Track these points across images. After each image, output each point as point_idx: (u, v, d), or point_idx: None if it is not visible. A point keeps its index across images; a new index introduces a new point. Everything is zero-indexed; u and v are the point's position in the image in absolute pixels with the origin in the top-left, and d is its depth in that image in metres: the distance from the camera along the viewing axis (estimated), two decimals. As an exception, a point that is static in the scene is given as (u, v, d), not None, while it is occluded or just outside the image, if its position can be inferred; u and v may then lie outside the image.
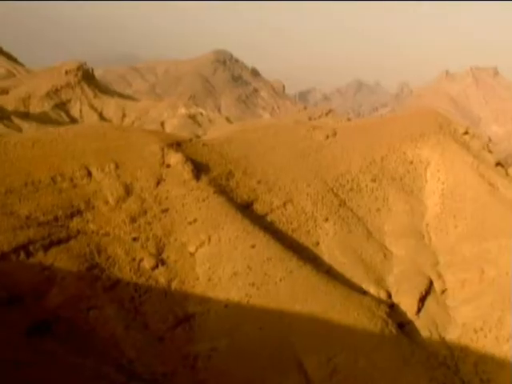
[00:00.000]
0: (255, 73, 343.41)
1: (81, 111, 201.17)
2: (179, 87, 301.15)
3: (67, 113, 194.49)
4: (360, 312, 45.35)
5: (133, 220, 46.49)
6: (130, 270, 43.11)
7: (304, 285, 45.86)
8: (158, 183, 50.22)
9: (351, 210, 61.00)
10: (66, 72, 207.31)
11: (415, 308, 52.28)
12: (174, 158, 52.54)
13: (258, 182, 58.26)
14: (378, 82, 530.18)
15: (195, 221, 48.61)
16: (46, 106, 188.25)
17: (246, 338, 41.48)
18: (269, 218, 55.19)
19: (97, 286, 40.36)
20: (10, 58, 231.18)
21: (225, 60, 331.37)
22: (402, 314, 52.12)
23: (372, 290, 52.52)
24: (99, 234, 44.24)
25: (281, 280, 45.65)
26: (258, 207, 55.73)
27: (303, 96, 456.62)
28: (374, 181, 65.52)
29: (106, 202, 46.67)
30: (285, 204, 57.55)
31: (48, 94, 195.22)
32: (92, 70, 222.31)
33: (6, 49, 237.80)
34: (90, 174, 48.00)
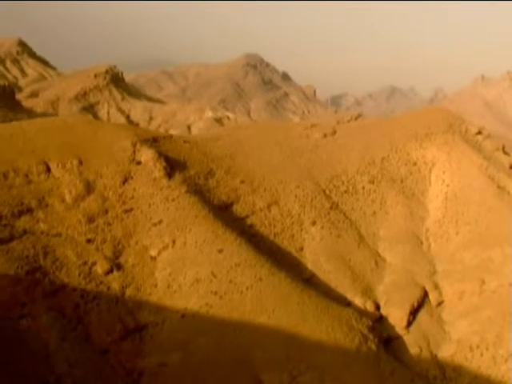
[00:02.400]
0: (286, 77, 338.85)
1: (108, 114, 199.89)
2: (210, 91, 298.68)
3: (95, 115, 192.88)
4: (335, 326, 39.98)
5: (90, 220, 42.10)
6: (79, 274, 38.67)
7: (273, 294, 40.70)
8: (125, 181, 45.76)
9: (343, 214, 55.46)
10: (95, 75, 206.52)
11: (405, 321, 46.53)
12: (146, 154, 48.05)
13: (242, 182, 53.30)
14: (412, 87, 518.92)
15: (160, 222, 43.95)
16: (74, 109, 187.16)
17: (201, 353, 36.58)
18: (249, 221, 50.19)
19: (35, 292, 35.97)
20: (42, 61, 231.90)
21: (255, 64, 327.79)
22: (390, 328, 46.50)
23: (357, 300, 47.00)
24: (49, 234, 39.95)
25: (247, 288, 40.59)
26: (239, 209, 50.77)
27: (335, 101, 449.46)
28: (371, 182, 59.82)
29: (63, 200, 42.40)
30: (269, 206, 52.45)
31: (76, 97, 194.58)
32: (122, 73, 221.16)
33: (39, 53, 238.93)
34: (49, 169, 43.83)
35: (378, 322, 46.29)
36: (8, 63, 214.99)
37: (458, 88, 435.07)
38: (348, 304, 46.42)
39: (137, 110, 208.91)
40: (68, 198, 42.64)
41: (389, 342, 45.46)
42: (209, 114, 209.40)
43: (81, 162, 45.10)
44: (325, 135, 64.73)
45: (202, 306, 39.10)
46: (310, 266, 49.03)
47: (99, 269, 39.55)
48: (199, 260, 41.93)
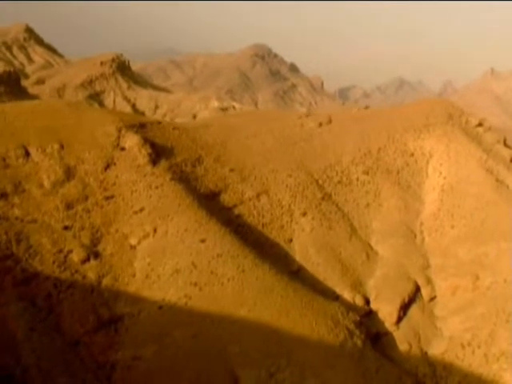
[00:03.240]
0: (294, 68, 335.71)
1: (114, 102, 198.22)
2: (217, 81, 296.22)
3: (101, 103, 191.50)
4: (319, 320, 38.15)
5: (69, 206, 40.39)
6: (54, 262, 37.01)
7: (256, 286, 38.91)
8: (107, 167, 44.01)
9: (336, 205, 53.49)
10: (101, 63, 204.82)
11: (395, 317, 44.63)
12: (131, 140, 46.26)
13: (231, 170, 51.43)
14: (421, 80, 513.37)
15: (142, 210, 42.20)
16: (80, 96, 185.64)
17: (176, 346, 34.86)
18: (237, 211, 48.34)
19: (5, 280, 34.36)
20: (49, 48, 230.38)
21: (263, 55, 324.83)
22: (379, 324, 44.63)
23: (346, 294, 45.15)
24: (24, 220, 38.26)
25: (229, 280, 38.80)
26: (227, 198, 48.93)
27: (343, 93, 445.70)
28: (366, 173, 57.75)
29: (41, 186, 40.71)
30: (258, 195, 50.57)
31: (82, 85, 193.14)
32: (128, 61, 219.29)
33: (47, 40, 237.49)
34: (28, 153, 42.12)
35: (367, 316, 44.43)
36: (15, 50, 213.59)
37: (467, 81, 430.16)
38: (336, 298, 44.58)
39: (142, 98, 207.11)
40: (46, 183, 40.94)
41: (378, 337, 43.61)
42: (214, 103, 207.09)
43: (62, 147, 43.38)
44: (320, 124, 62.65)
45: (181, 298, 37.36)
46: (298, 257, 47.20)
47: (75, 257, 37.87)
48: (180, 250, 40.16)
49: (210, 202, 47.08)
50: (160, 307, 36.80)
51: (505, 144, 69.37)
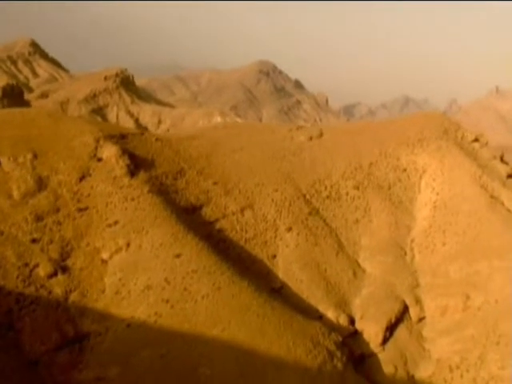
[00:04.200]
0: (298, 85, 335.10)
1: (117, 116, 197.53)
2: (221, 97, 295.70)
3: (104, 117, 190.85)
4: (297, 341, 36.00)
5: (38, 218, 38.51)
6: (18, 276, 35.04)
7: (231, 304, 36.81)
8: (83, 178, 42.19)
9: (323, 220, 51.41)
10: (105, 78, 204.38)
11: (380, 337, 42.39)
12: (109, 150, 44.49)
13: (214, 184, 49.54)
14: (427, 98, 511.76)
15: (116, 223, 40.27)
16: (84, 111, 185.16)
17: (143, 367, 32.71)
18: (218, 225, 46.34)
19: (-38, 295, 32.50)
20: (54, 63, 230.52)
21: (268, 71, 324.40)
22: (364, 345, 42.36)
23: (330, 313, 42.93)
24: (-11, 232, 36.42)
25: (203, 297, 36.71)
26: (208, 211, 46.97)
27: (348, 110, 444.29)
28: (356, 188, 55.71)
29: (10, 196, 38.87)
30: (242, 209, 48.60)
31: (86, 99, 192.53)
32: (132, 76, 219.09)
33: (53, 55, 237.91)
34: (-1, 163, 40.42)
35: (351, 337, 42.20)
36: (20, 64, 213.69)
37: (472, 99, 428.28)
38: (319, 317, 42.38)
39: (146, 113, 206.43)
40: (16, 193, 39.12)
41: (362, 359, 41.37)
42: (217, 118, 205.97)
43: (35, 157, 41.63)
44: (310, 138, 60.79)
45: (151, 315, 35.28)
46: (281, 274, 45.09)
47: (41, 271, 35.92)
48: (153, 265, 38.16)
49: (190, 216, 45.14)
50: (128, 325, 34.72)
51: (502, 160, 67.24)
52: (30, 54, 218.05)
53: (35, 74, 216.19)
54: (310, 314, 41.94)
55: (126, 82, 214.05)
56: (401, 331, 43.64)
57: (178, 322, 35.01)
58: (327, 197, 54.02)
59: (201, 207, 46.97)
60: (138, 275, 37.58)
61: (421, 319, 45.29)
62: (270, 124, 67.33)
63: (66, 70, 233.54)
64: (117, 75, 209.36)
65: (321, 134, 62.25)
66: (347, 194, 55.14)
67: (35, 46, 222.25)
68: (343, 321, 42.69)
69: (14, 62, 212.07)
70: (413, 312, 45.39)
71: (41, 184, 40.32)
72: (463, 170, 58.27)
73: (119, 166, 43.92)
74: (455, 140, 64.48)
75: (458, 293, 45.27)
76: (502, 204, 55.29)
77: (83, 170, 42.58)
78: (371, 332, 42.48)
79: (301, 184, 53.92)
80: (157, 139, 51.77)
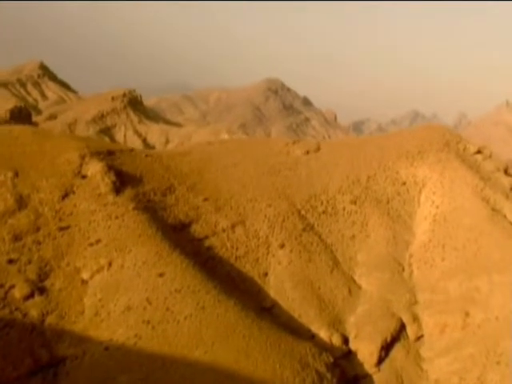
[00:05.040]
0: (307, 102, 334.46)
1: (125, 136, 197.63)
2: (230, 115, 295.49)
3: (112, 138, 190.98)
4: (285, 363, 34.18)
5: (17, 238, 37.20)
6: (-8, 298, 33.69)
7: (216, 325, 35.12)
8: (65, 196, 40.94)
9: (318, 236, 49.71)
10: (113, 98, 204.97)
11: (375, 358, 40.38)
12: (94, 167, 43.28)
13: (205, 200, 48.10)
14: (436, 113, 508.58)
15: (98, 242, 38.87)
16: (91, 131, 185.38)
17: (120, 393, 31.07)
18: (208, 242, 44.80)
19: None
20: (63, 85, 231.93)
21: (276, 89, 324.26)
22: (359, 365, 40.36)
23: (323, 333, 41.02)
24: (-37, 253, 35.19)
25: (186, 318, 35.07)
26: (198, 228, 45.48)
27: (357, 126, 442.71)
28: (353, 203, 54.00)
29: (-12, 216, 37.71)
30: (233, 226, 47.06)
31: (94, 120, 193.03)
32: (140, 96, 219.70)
33: (62, 76, 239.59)
34: (-22, 182, 39.34)
35: (345, 357, 40.25)
36: (29, 86, 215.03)
37: (482, 113, 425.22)
38: (311, 337, 40.53)
39: (153, 132, 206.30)
40: (-5, 213, 37.99)
41: (355, 381, 39.39)
42: (225, 136, 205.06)
43: (16, 175, 40.47)
44: (307, 152, 59.30)
45: (130, 338, 33.65)
46: (272, 293, 43.36)
47: (17, 293, 34.49)
48: (135, 285, 36.61)
49: (179, 233, 43.68)
50: (106, 348, 33.09)
51: (506, 172, 65.19)
52: (39, 76, 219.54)
53: (44, 96, 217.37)
54: (302, 333, 40.14)
55: (134, 102, 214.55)
56: (397, 351, 41.62)
57: (158, 344, 33.37)
58: (323, 212, 52.36)
59: (190, 224, 45.50)
60: (119, 295, 36.04)
61: (418, 338, 43.24)
62: (267, 139, 66.14)
63: (74, 92, 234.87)
64: (124, 95, 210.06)
65: (318, 148, 60.77)
66: (344, 208, 53.44)
67: (44, 69, 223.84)
68: (336, 340, 40.78)
69: (24, 85, 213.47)
70: (410, 330, 43.37)
71: (21, 203, 39.11)
72: (464, 182, 56.39)
73: (104, 183, 42.66)
74: (457, 152, 62.66)
75: (457, 309, 43.22)
76: (505, 217, 53.30)
77: (66, 187, 41.34)
78: (366, 352, 40.51)
79: (296, 199, 52.34)
80: (147, 155, 50.58)
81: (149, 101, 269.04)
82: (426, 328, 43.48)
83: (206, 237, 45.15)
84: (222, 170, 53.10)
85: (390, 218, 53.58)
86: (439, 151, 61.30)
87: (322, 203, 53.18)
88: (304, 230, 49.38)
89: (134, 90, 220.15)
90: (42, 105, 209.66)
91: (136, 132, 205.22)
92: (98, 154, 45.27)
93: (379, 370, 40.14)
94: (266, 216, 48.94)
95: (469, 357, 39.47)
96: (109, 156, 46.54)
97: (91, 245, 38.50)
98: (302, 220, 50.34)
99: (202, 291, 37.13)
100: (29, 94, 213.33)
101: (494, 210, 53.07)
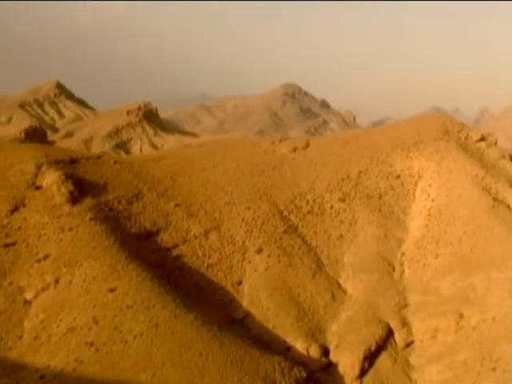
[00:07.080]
0: (325, 104, 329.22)
1: (141, 149, 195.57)
2: (248, 122, 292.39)
3: (127, 151, 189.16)
4: (246, 382, 30.00)
5: (-46, 258, 33.92)
6: None
7: (169, 343, 31.12)
8: (15, 209, 37.56)
9: (302, 238, 45.42)
10: (128, 112, 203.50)
11: (357, 369, 35.88)
12: (50, 177, 39.86)
13: (177, 206, 44.30)
14: (457, 108, 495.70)
15: (47, 257, 35.30)
16: (107, 146, 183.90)
17: (53, 426, 27.30)
18: (177, 251, 40.94)
19: None
20: (80, 102, 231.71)
21: (294, 93, 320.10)
22: (339, 379, 35.88)
23: (299, 344, 36.69)
24: None
25: (135, 337, 31.15)
26: (166, 237, 41.66)
27: (377, 126, 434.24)
28: (342, 200, 49.56)
29: None
30: (207, 232, 43.13)
31: (109, 135, 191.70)
32: (156, 109, 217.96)
33: (79, 94, 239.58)
34: None
35: (324, 370, 35.87)
36: (46, 106, 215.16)
37: (505, 106, 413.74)
38: (287, 349, 36.28)
39: (170, 144, 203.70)
40: None
41: (337, 396, 34.98)
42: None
43: (-38, 190, 37.38)
44: (294, 149, 55.08)
45: (70, 363, 29.83)
46: (246, 303, 39.20)
47: (-49, 318, 31.18)
48: (82, 303, 32.86)
49: (142, 243, 39.92)
50: (41, 377, 29.27)
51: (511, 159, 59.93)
52: (55, 95, 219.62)
53: (61, 115, 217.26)
54: (275, 346, 35.97)
55: (150, 115, 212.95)
56: (383, 360, 37.03)
57: (100, 369, 29.49)
58: (308, 212, 48.06)
59: (158, 232, 41.75)
60: (63, 316, 32.33)
61: (408, 344, 38.59)
62: (253, 138, 62.65)
63: (91, 109, 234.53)
64: (139, 109, 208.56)
65: (307, 145, 56.48)
66: (331, 207, 49.05)
67: (61, 88, 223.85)
68: (314, 352, 36.41)
69: (41, 105, 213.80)
70: (398, 336, 38.73)
71: (-37, 219, 35.85)
72: (463, 171, 51.49)
73: (60, 194, 39.22)
74: (457, 141, 57.72)
75: (451, 311, 38.47)
76: (508, 207, 48.24)
77: (16, 200, 38.00)
78: (347, 363, 36.06)
79: (278, 200, 48.20)
80: (115, 162, 47.06)
81: (167, 113, 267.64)
82: (416, 333, 38.83)
83: (176, 245, 41.33)
84: (197, 173, 49.28)
85: (382, 215, 49.00)
86: (438, 140, 56.55)
87: (307, 203, 48.91)
88: (286, 232, 45.18)
89: (150, 103, 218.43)
90: (58, 123, 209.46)
91: (152, 144, 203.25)
92: (57, 163, 41.94)
93: (362, 382, 35.60)
94: (243, 220, 44.91)
95: (462, 363, 34.83)
96: (71, 164, 43.22)
97: (38, 261, 34.98)
98: (284, 222, 46.14)
99: (157, 306, 33.20)
100: (46, 113, 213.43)
101: (495, 199, 48.10)
